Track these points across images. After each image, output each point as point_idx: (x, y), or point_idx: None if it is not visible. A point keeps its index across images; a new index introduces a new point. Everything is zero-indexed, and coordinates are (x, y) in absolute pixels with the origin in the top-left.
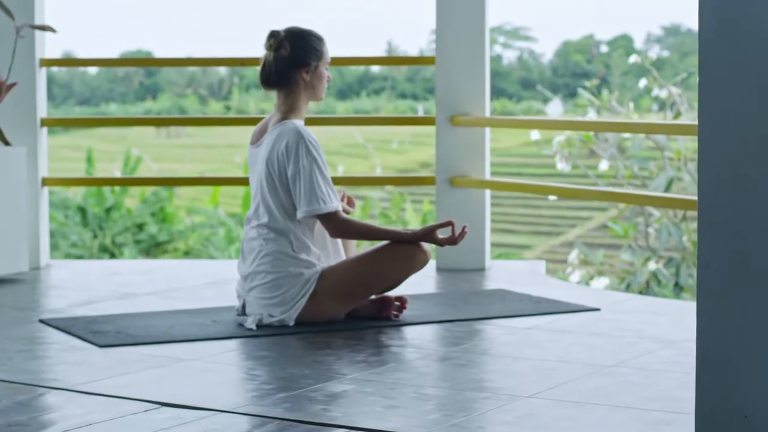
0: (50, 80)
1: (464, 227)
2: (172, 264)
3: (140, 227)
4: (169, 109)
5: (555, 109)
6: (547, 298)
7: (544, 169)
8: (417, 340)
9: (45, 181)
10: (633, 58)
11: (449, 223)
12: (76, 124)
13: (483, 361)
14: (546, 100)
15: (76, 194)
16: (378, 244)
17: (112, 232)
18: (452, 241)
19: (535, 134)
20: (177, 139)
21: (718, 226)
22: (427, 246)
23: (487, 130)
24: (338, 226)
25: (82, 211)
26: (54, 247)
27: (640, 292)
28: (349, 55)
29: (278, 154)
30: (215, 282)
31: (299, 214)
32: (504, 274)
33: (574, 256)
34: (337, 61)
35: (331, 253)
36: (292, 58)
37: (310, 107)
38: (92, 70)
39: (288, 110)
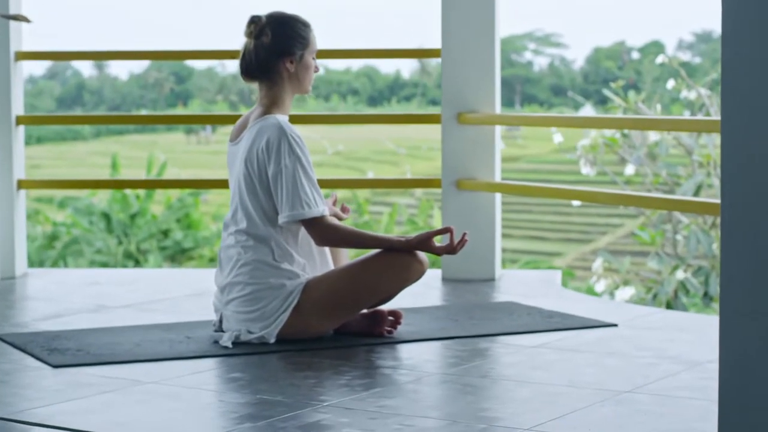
0: (81, 86)
1: (464, 234)
2: (158, 273)
3: (165, 234)
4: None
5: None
6: (560, 312)
7: (571, 175)
8: (410, 360)
9: (21, 184)
10: (660, 58)
11: (447, 230)
12: (54, 122)
13: (482, 386)
14: (577, 106)
15: (101, 200)
16: (369, 252)
17: (137, 239)
18: (450, 249)
19: (557, 137)
20: (206, 146)
21: (743, 236)
22: (423, 255)
23: (497, 128)
24: (324, 233)
25: (107, 217)
26: (78, 254)
27: (668, 302)
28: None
29: (258, 152)
30: (199, 293)
31: (281, 219)
32: (515, 285)
33: (598, 264)
34: (337, 54)
35: (318, 262)
36: (274, 46)
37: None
38: (123, 76)
39: (270, 104)
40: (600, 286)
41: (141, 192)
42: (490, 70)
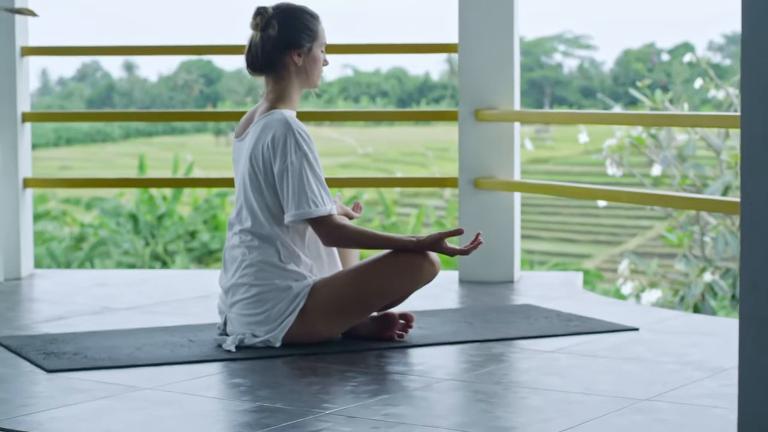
0: (111, 88)
1: (478, 235)
2: (169, 274)
3: (192, 235)
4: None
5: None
6: (579, 315)
7: (599, 177)
8: (421, 366)
9: (27, 182)
10: (688, 57)
11: (459, 231)
12: (59, 119)
13: (494, 393)
14: (607, 108)
15: (129, 201)
16: (379, 253)
17: (164, 240)
18: (463, 250)
19: (583, 137)
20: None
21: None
22: (435, 256)
23: (516, 125)
24: (332, 233)
25: (134, 218)
26: (105, 255)
27: (695, 305)
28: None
29: (263, 149)
30: (207, 295)
31: (287, 219)
32: (535, 287)
33: (624, 266)
34: (349, 49)
35: (326, 263)
36: (281, 39)
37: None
38: (153, 78)
39: (277, 99)
40: (627, 289)
41: (168, 193)
42: (508, 65)
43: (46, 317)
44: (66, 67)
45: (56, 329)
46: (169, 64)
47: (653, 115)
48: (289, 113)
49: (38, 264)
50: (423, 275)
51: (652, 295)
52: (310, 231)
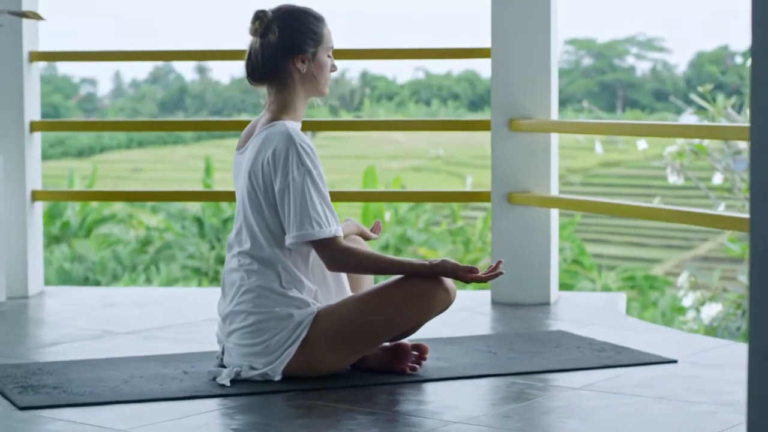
0: (183, 90)
1: (498, 264)
2: (183, 293)
3: None
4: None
5: (688, 120)
6: (614, 344)
7: (657, 181)
8: (432, 404)
9: (36, 195)
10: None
11: (474, 270)
12: (70, 128)
13: None
14: (679, 111)
15: (194, 204)
16: (390, 278)
17: None
18: (480, 278)
19: (641, 144)
20: None
21: None
22: (450, 283)
23: (554, 136)
24: (336, 256)
25: (199, 222)
26: (171, 259)
27: None
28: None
29: (263, 164)
30: (217, 317)
31: (288, 241)
32: (572, 310)
33: (684, 279)
34: (378, 54)
35: (333, 289)
36: (282, 44)
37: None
38: (225, 80)
39: (280, 109)
40: (688, 301)
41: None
42: (545, 71)
43: (39, 342)
44: (139, 69)
45: (46, 356)
46: (242, 66)
47: (695, 126)
48: (292, 125)
49: (103, 267)
50: (436, 304)
51: (713, 309)
52: (314, 254)
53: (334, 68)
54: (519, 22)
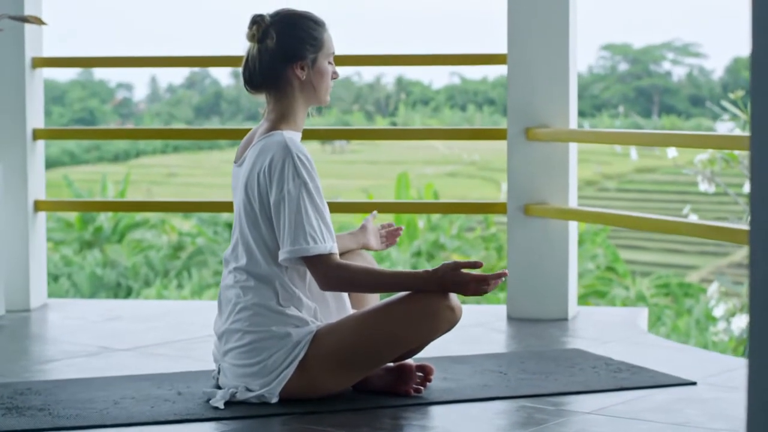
0: (219, 95)
1: (504, 272)
2: (193, 306)
3: None
4: (335, 125)
5: (725, 126)
6: (631, 364)
7: (690, 187)
8: (436, 429)
9: (38, 205)
10: None
11: (478, 264)
12: (71, 136)
13: None
14: (716, 117)
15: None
16: (393, 295)
17: None
18: (478, 291)
19: (671, 152)
20: (341, 155)
21: None
22: (455, 300)
23: (572, 146)
24: (329, 273)
25: (231, 227)
26: (203, 264)
27: None
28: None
29: (259, 176)
30: None
31: (281, 256)
32: (590, 327)
33: (714, 289)
34: (395, 60)
35: (333, 307)
36: (280, 50)
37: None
38: None
39: (278, 118)
40: (719, 311)
41: None
42: (563, 79)
43: (34, 359)
44: (175, 74)
45: (39, 374)
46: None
47: (721, 136)
48: (290, 135)
49: (135, 272)
50: (441, 323)
51: (743, 320)
52: None
53: (335, 75)
54: (536, 28)
